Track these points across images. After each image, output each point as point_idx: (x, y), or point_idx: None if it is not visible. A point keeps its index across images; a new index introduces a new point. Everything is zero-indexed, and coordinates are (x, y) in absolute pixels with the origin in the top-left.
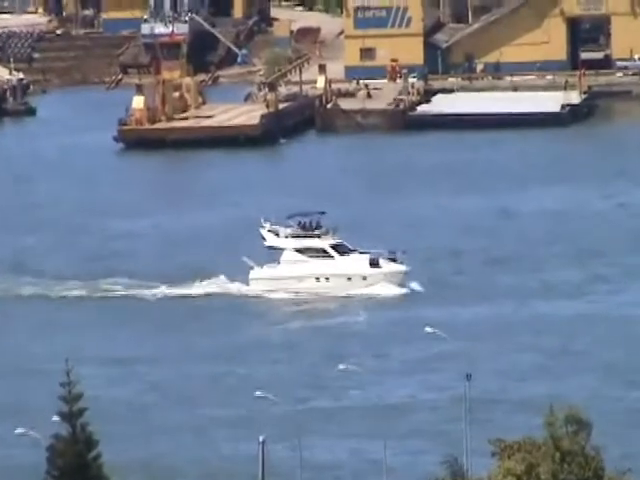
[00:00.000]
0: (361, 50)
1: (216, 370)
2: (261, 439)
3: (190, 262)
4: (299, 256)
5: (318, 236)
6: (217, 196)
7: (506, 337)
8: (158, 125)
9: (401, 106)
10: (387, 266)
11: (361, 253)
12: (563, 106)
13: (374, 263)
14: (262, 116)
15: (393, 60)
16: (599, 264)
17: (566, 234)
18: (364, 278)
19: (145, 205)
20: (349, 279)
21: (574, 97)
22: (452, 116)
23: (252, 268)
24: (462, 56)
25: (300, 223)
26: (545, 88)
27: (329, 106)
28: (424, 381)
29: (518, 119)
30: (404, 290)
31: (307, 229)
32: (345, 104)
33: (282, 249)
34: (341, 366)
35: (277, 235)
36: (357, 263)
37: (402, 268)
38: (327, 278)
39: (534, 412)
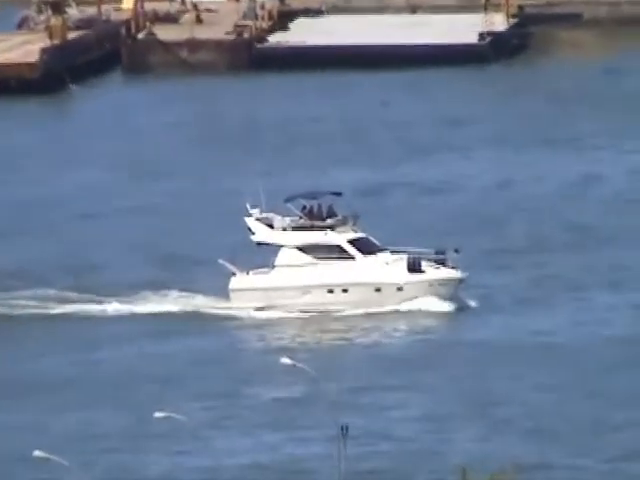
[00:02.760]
0: None
1: None
2: None
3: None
4: (303, 257)
5: (331, 227)
6: None
7: (398, 370)
8: None
9: (245, 35)
10: (433, 271)
11: (394, 252)
12: (482, 35)
13: (414, 267)
14: (43, 50)
15: None
16: (515, 264)
17: (480, 219)
18: (399, 289)
19: None
20: (378, 290)
21: (498, 22)
22: (319, 50)
23: (234, 274)
24: None
25: (304, 209)
26: (456, 9)
27: (141, 36)
28: (278, 438)
29: (417, 54)
30: (455, 305)
31: (315, 217)
32: (164, 33)
33: (278, 246)
34: (159, 414)
35: (271, 226)
36: (389, 267)
37: (455, 274)
38: (345, 289)
39: None
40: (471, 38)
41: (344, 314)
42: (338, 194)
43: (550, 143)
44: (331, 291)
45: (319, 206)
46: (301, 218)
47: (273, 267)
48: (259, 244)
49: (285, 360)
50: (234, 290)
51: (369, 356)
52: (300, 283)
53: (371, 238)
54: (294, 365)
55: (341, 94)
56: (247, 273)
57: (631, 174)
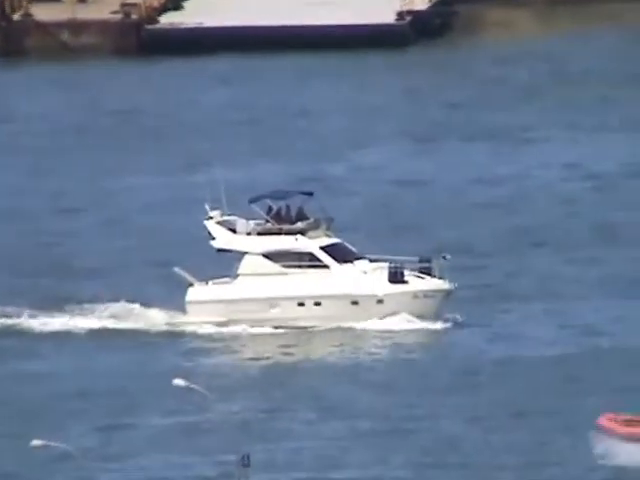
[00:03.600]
0: None
1: None
2: None
3: None
4: (270, 265)
5: (301, 232)
6: None
7: (312, 395)
8: None
9: (134, 15)
10: (417, 282)
11: (373, 260)
12: (401, 14)
13: (396, 277)
14: None
15: None
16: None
17: (394, 220)
18: (379, 302)
19: None
20: (355, 303)
21: (419, 0)
22: (218, 32)
23: (191, 285)
24: None
25: (271, 211)
26: None
27: (16, 17)
28: (168, 466)
29: (328, 36)
30: (442, 322)
31: (283, 220)
32: (43, 13)
33: (242, 253)
34: (37, 442)
35: (233, 231)
36: (368, 277)
37: (443, 285)
38: (318, 302)
39: None
40: (388, 18)
41: (315, 330)
42: (309, 194)
43: (470, 135)
44: (302, 304)
45: (288, 207)
46: (267, 221)
47: (236, 277)
48: (220, 251)
49: (178, 382)
50: (192, 302)
51: (283, 377)
52: (267, 295)
53: (347, 244)
54: (188, 387)
55: (242, 81)
56: (206, 283)
57: (557, 170)
